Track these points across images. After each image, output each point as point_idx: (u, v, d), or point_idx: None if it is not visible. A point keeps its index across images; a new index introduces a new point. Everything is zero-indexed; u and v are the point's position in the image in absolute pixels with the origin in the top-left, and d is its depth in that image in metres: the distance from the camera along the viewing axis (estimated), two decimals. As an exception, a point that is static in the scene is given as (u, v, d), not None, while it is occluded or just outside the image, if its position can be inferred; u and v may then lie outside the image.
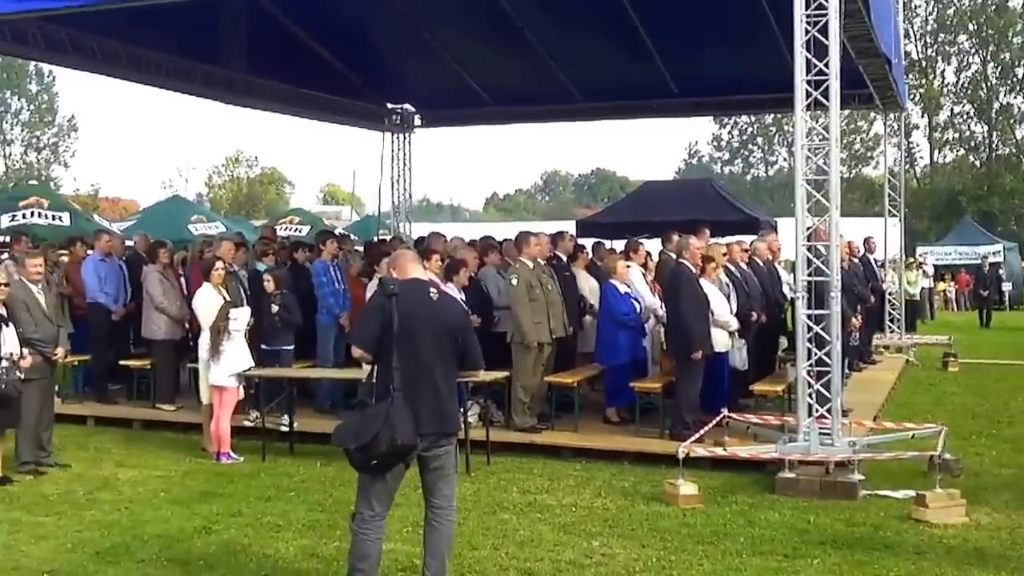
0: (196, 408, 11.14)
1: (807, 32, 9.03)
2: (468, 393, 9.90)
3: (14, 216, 19.94)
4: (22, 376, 9.16)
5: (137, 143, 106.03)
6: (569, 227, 17.35)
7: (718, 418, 9.85)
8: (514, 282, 10.70)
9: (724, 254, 11.59)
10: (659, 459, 9.56)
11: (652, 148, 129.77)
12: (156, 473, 9.67)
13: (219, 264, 10.74)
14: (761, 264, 12.53)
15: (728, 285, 11.24)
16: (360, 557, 5.81)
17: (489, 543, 7.35)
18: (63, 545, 7.37)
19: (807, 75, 9.07)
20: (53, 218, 20.21)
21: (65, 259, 13.73)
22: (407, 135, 21.30)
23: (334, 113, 19.97)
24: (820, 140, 9.25)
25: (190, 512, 8.21)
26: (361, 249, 15.09)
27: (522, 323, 10.57)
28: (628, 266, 11.71)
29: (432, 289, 6.06)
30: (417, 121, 21.36)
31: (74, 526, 7.86)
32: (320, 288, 12.01)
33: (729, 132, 68.34)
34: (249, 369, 10.35)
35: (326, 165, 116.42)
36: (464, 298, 9.83)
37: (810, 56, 9.05)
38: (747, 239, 13.53)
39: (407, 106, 20.98)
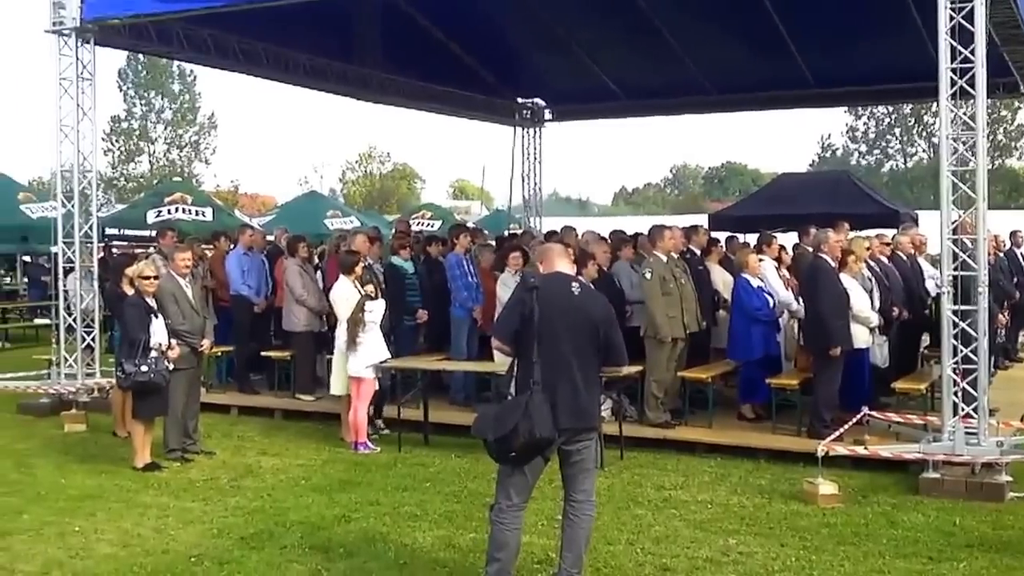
0: (334, 399, 11.38)
1: (951, 19, 8.73)
2: (601, 388, 9.86)
3: (160, 212, 20.76)
4: (170, 366, 9.52)
5: (273, 140, 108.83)
6: (699, 221, 17.14)
7: (858, 416, 9.59)
8: (648, 276, 10.63)
9: (866, 248, 11.27)
10: (796, 457, 9.41)
11: (784, 140, 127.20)
12: (297, 462, 9.92)
13: (360, 259, 10.95)
14: (904, 258, 12.16)
15: (869, 280, 10.93)
16: (498, 547, 5.85)
17: (624, 538, 7.33)
18: (209, 530, 7.62)
19: (952, 63, 8.77)
20: (196, 213, 20.97)
21: (210, 253, 14.17)
22: (537, 129, 21.37)
23: (466, 108, 20.16)
24: (965, 130, 8.94)
25: (330, 500, 8.40)
26: (493, 243, 15.17)
27: (656, 317, 10.49)
28: (761, 260, 11.49)
29: (575, 283, 6.04)
30: (547, 115, 21.42)
31: (219, 512, 8.12)
32: (454, 281, 12.13)
33: (865, 123, 66.46)
34: (385, 361, 10.52)
35: (456, 160, 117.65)
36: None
37: (955, 43, 8.75)
38: (887, 232, 13.14)
39: (538, 100, 21.05)
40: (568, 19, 15.97)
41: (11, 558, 6.97)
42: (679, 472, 9.38)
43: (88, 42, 12.49)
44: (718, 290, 11.92)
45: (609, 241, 12.52)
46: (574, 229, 13.89)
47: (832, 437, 8.99)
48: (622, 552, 7.03)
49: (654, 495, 8.59)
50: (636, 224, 17.85)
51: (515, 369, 5.88)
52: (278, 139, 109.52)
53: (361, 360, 10.34)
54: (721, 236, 14.28)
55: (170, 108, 60.86)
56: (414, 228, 21.30)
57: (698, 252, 12.14)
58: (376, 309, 10.52)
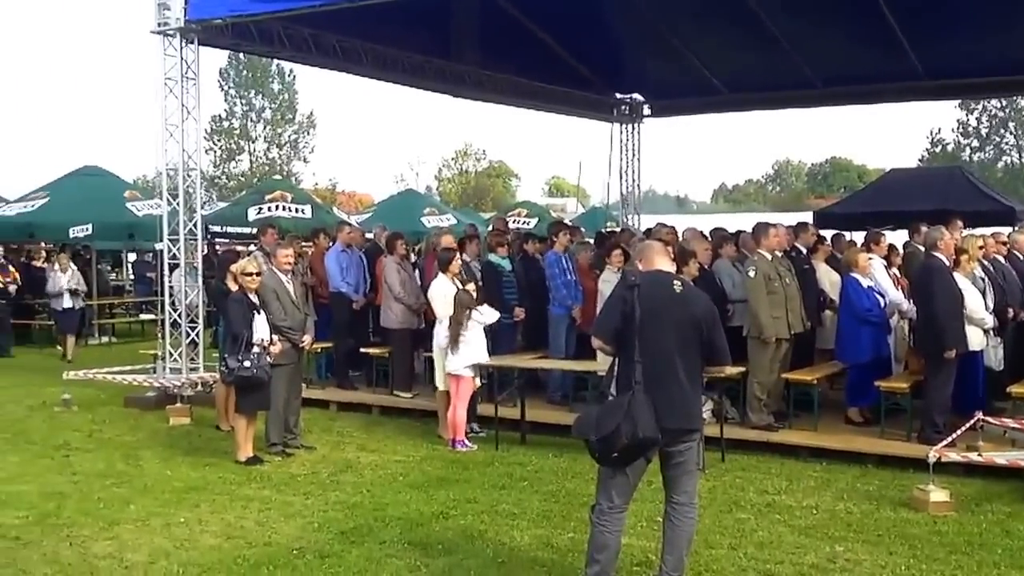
0: (432, 396, 11.50)
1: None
2: (702, 388, 9.78)
3: (260, 209, 21.16)
4: (272, 361, 9.71)
5: (370, 138, 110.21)
6: (803, 218, 16.87)
7: (971, 421, 9.32)
8: (752, 274, 10.49)
9: (980, 247, 10.96)
10: (906, 463, 9.21)
11: (891, 135, 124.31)
12: (395, 458, 10.04)
13: (455, 255, 11.04)
14: (1021, 258, 11.80)
15: (983, 280, 10.63)
16: (598, 548, 5.84)
17: (726, 542, 7.26)
18: (310, 524, 7.76)
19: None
20: (296, 211, 21.32)
21: (309, 250, 14.41)
22: (636, 125, 21.25)
23: (563, 104, 20.13)
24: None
25: (428, 497, 8.49)
26: (591, 241, 15.13)
27: (760, 317, 10.35)
28: (870, 259, 11.25)
29: (676, 281, 5.99)
30: (646, 111, 21.27)
31: (320, 506, 8.27)
32: (552, 279, 12.14)
33: (976, 118, 64.59)
34: (485, 360, 10.58)
35: (551, 157, 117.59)
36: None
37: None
38: (1003, 231, 12.75)
39: (636, 96, 20.92)
40: (668, 11, 15.84)
41: (119, 547, 7.19)
42: (782, 476, 9.25)
43: (192, 42, 12.80)
44: (824, 290, 11.71)
45: (710, 239, 12.39)
46: (671, 226, 13.76)
47: (944, 443, 8.75)
48: (724, 556, 6.96)
49: (757, 499, 8.48)
50: (736, 222, 17.64)
51: (616, 368, 5.85)
52: (374, 137, 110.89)
53: (462, 359, 10.42)
54: (827, 234, 14.01)
55: (270, 107, 62.13)
56: (512, 226, 21.38)
57: (804, 250, 11.94)
58: (487, 315, 10.56)
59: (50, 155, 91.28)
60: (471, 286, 10.75)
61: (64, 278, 18.46)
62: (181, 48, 12.70)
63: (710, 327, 5.91)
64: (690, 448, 5.88)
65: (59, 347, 18.58)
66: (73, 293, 18.52)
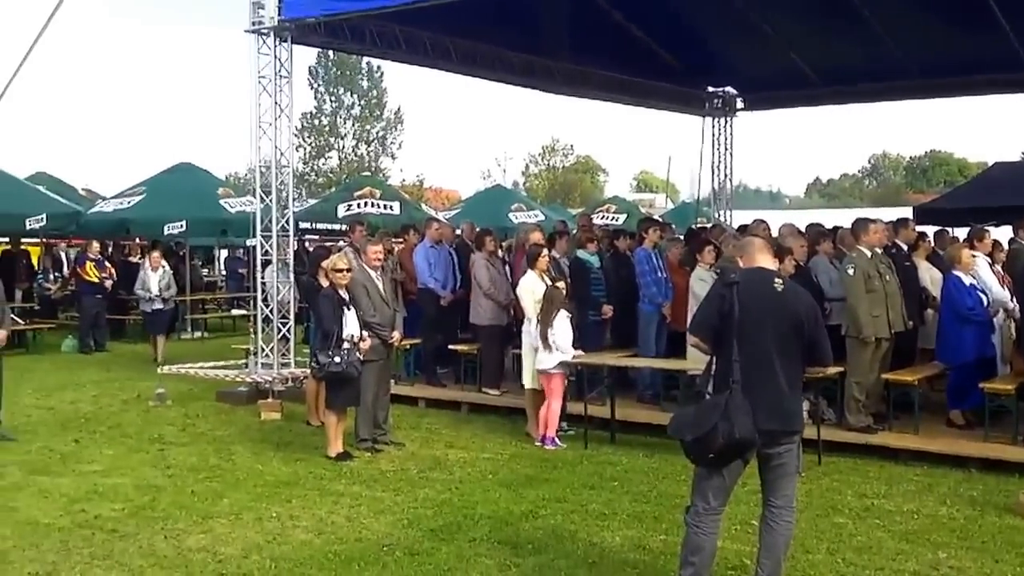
0: (520, 393, 11.49)
1: None
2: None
3: (350, 206, 21.39)
4: (361, 357, 9.79)
5: (456, 134, 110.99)
6: (901, 214, 16.47)
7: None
8: (850, 272, 10.27)
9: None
10: (1011, 468, 8.97)
11: (993, 127, 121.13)
12: (484, 455, 10.05)
13: (543, 251, 11.02)
14: None
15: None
16: (693, 551, 5.77)
17: (824, 547, 7.12)
18: (400, 520, 7.80)
19: None
20: (384, 207, 21.51)
21: (398, 246, 14.51)
22: (728, 119, 20.99)
23: (654, 98, 19.99)
24: None
25: (517, 495, 8.48)
26: (680, 237, 14.99)
27: (859, 316, 10.12)
28: (974, 256, 10.94)
29: (777, 279, 5.87)
30: (739, 104, 21.01)
31: (409, 502, 8.31)
32: (643, 276, 12.05)
33: (1085, 109, 62.55)
34: (574, 357, 10.54)
35: (639, 152, 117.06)
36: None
37: None
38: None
39: (729, 89, 20.67)
40: (762, 2, 15.61)
41: (213, 540, 7.30)
42: (882, 480, 9.04)
43: (285, 41, 12.97)
44: (926, 287, 11.43)
45: (806, 235, 12.17)
46: (766, 222, 13.55)
47: (1053, 447, 8.49)
48: (822, 562, 6.82)
49: (855, 503, 8.31)
50: (832, 217, 17.34)
51: (713, 367, 5.76)
52: (461, 133, 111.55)
53: (551, 356, 10.40)
54: (928, 230, 13.67)
55: (358, 104, 62.82)
56: (599, 222, 21.30)
57: (905, 247, 11.66)
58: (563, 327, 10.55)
59: (146, 152, 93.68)
60: (560, 283, 10.71)
61: (155, 278, 17.89)
62: (275, 47, 12.88)
63: (812, 326, 5.78)
64: (789, 450, 5.76)
65: (151, 348, 18.04)
66: (165, 292, 17.95)
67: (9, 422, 11.09)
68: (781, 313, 5.71)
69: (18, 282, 20.08)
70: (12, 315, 12.26)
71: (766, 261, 5.98)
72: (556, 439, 10.42)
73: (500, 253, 13.68)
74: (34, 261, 23.23)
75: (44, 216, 18.12)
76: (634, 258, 12.42)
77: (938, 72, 17.60)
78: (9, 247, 21.58)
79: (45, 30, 12.53)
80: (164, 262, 19.90)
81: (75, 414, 12.40)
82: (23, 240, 22.31)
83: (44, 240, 23.56)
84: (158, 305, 17.77)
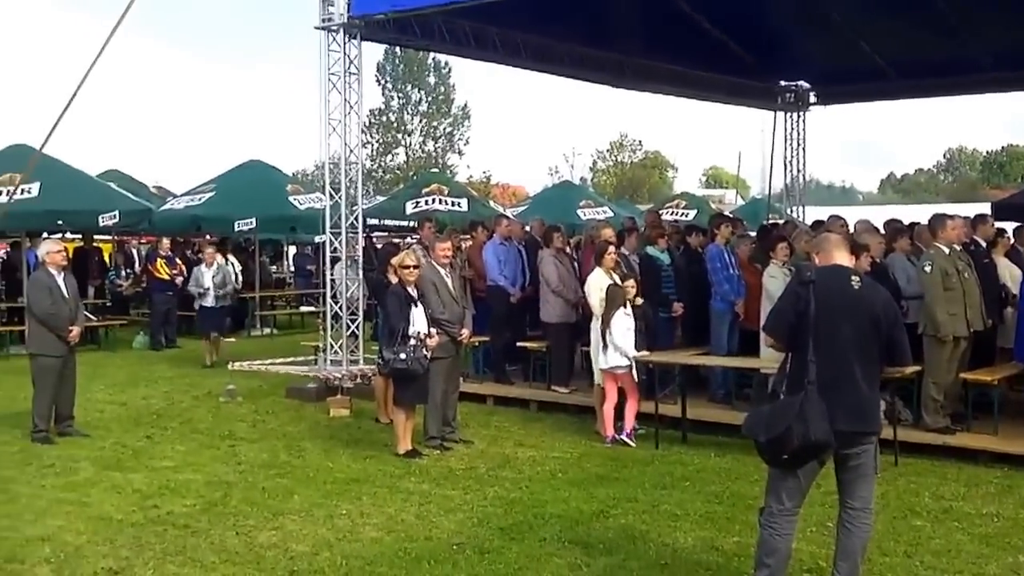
0: (589, 391, 11.47)
1: None
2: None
3: (417, 203, 21.52)
4: (429, 354, 9.83)
5: (523, 130, 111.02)
6: (981, 210, 16.14)
7: None
8: (928, 269, 10.10)
9: None
10: (1097, 470, 8.72)
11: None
12: (553, 454, 10.05)
13: (611, 248, 10.99)
14: None
15: None
16: (767, 552, 5.72)
17: (901, 550, 7.01)
18: (470, 519, 7.82)
19: None
20: (452, 204, 21.60)
21: (467, 243, 14.55)
22: (801, 113, 20.76)
23: (725, 93, 19.88)
24: None
25: (587, 495, 8.45)
26: (752, 234, 14.85)
27: (936, 314, 9.95)
28: (1057, 252, 10.70)
29: (855, 276, 5.78)
30: (812, 98, 20.77)
31: (479, 501, 8.33)
32: (715, 274, 11.95)
33: None
34: (638, 356, 10.49)
35: (708, 147, 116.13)
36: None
37: None
38: None
39: (801, 83, 20.44)
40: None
41: (284, 537, 7.39)
42: (960, 482, 8.88)
43: (355, 37, 13.11)
44: (1005, 285, 11.19)
45: (884, 231, 11.98)
46: (842, 218, 13.35)
47: None
48: (899, 564, 6.72)
49: (933, 505, 8.17)
50: (907, 213, 17.02)
51: (788, 367, 5.70)
52: (528, 128, 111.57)
53: (613, 355, 10.38)
54: (1006, 226, 13.37)
55: (426, 100, 63.15)
56: (668, 218, 21.16)
57: (983, 243, 11.43)
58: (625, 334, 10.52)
59: (216, 149, 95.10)
60: (630, 282, 10.66)
61: (208, 274, 17.23)
62: (344, 43, 13.00)
63: (891, 325, 5.69)
64: (867, 451, 5.68)
65: (203, 349, 17.15)
66: (219, 289, 17.28)
67: (82, 418, 11.31)
68: (858, 311, 5.63)
69: (91, 279, 20.43)
70: (85, 311, 12.47)
71: (842, 258, 5.88)
72: (631, 435, 10.40)
73: (568, 250, 13.65)
74: (106, 258, 23.67)
75: (116, 213, 18.37)
76: (705, 255, 12.33)
77: (1015, 65, 17.22)
78: (82, 244, 21.99)
79: (117, 29, 12.72)
80: (230, 258, 20.19)
81: (147, 410, 12.63)
82: (95, 237, 22.76)
83: (116, 237, 24.02)
84: (210, 302, 17.19)
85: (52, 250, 11.05)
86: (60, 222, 18.18)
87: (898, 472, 9.14)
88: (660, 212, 19.86)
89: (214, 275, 17.15)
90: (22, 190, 16.23)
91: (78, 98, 12.76)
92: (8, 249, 23.51)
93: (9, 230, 19.24)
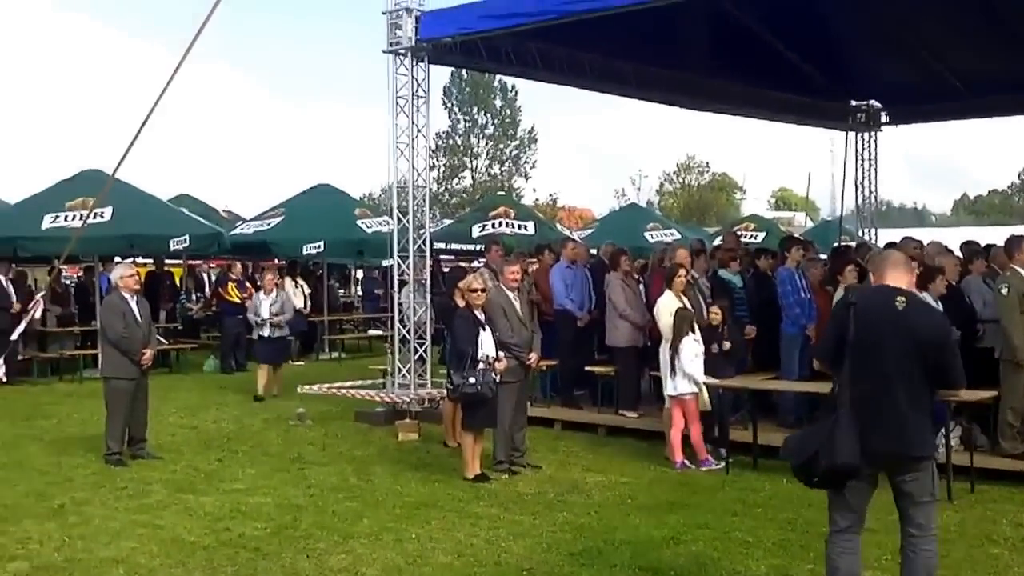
0: (658, 416, 11.42)
1: None
2: (951, 414, 9.35)
3: (484, 226, 21.65)
4: (497, 378, 9.86)
5: (590, 152, 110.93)
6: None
7: None
8: (1004, 292, 9.91)
9: None
10: None
11: None
12: (622, 479, 10.01)
13: (681, 271, 10.96)
14: None
15: None
16: (829, 571, 5.73)
17: (981, 579, 6.88)
18: (539, 544, 7.81)
19: None
20: (519, 227, 21.71)
21: (534, 266, 14.58)
22: (872, 133, 20.52)
23: (794, 113, 19.70)
24: None
25: (657, 521, 8.41)
26: (823, 256, 14.69)
27: (1013, 338, 9.75)
28: None
29: (900, 297, 5.64)
30: (883, 118, 20.52)
31: (548, 526, 8.32)
32: (785, 297, 11.84)
33: None
34: (711, 380, 10.43)
35: (776, 168, 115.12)
36: (942, 309, 9.26)
37: None
38: None
39: (873, 102, 20.21)
40: (908, 12, 15.21)
41: (354, 561, 7.44)
42: (1041, 509, 8.70)
43: (422, 60, 13.22)
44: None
45: (959, 254, 11.79)
46: (915, 240, 13.18)
47: None
48: (979, 595, 6.59)
49: (1011, 533, 8.01)
50: (981, 235, 16.77)
51: (834, 390, 5.67)
52: (594, 151, 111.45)
53: (681, 381, 10.34)
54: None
55: (492, 124, 63.47)
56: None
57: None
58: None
59: (284, 173, 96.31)
60: (716, 308, 10.68)
61: (266, 303, 16.15)
62: (412, 67, 13.13)
63: (937, 348, 5.54)
64: (917, 477, 5.56)
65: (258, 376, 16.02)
66: (276, 317, 16.11)
67: (154, 441, 11.50)
68: (900, 332, 5.54)
69: (162, 302, 20.65)
70: (157, 335, 12.70)
71: (896, 278, 5.75)
72: (710, 459, 10.41)
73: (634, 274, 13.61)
74: (177, 281, 24.05)
75: (187, 237, 18.63)
76: (776, 278, 12.23)
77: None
78: (153, 268, 22.39)
79: (185, 58, 13.01)
80: (299, 281, 20.36)
81: (218, 433, 12.81)
82: (166, 261, 23.15)
83: (186, 261, 24.43)
84: (266, 332, 16.09)
85: (126, 274, 11.29)
86: (132, 246, 18.49)
87: (975, 499, 9.00)
88: (737, 234, 19.66)
89: (271, 303, 16.15)
90: (95, 215, 16.56)
91: (149, 124, 13.09)
92: (81, 273, 23.98)
93: (82, 254, 19.62)
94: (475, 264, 18.46)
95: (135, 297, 11.14)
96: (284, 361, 16.75)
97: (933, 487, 5.65)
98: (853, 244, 17.46)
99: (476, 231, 21.72)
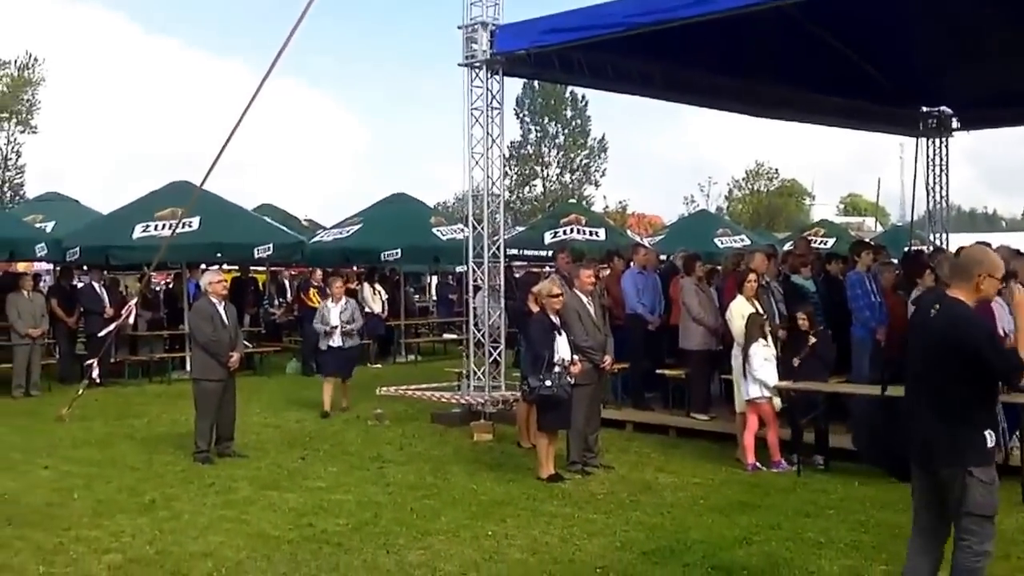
0: (728, 419, 11.32)
1: None
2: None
3: (556, 232, 21.67)
4: (572, 381, 9.85)
5: (657, 160, 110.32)
6: None
7: None
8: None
9: None
10: None
11: None
12: (694, 480, 9.95)
13: (752, 276, 10.87)
14: None
15: None
16: (905, 572, 5.65)
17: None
18: (612, 543, 7.79)
19: None
20: (590, 233, 21.69)
21: (605, 272, 14.54)
22: (944, 139, 20.15)
23: (863, 120, 19.45)
24: None
25: (730, 521, 8.35)
26: (894, 261, 14.45)
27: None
28: None
29: (937, 304, 5.49)
30: (954, 124, 20.14)
31: (621, 525, 8.29)
32: (855, 301, 11.68)
33: None
34: (782, 383, 10.32)
35: (845, 174, 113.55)
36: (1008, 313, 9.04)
37: None
38: None
39: (944, 109, 19.84)
40: (978, 18, 14.91)
41: (432, 556, 7.49)
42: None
43: (497, 73, 13.29)
44: None
45: (1032, 257, 11.51)
46: (987, 244, 12.86)
47: None
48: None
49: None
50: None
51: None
52: (663, 159, 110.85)
53: (753, 385, 10.25)
54: None
55: (562, 133, 63.45)
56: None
57: None
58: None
59: (362, 183, 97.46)
60: (802, 313, 10.58)
61: (335, 311, 14.74)
62: (487, 79, 13.21)
63: (964, 352, 5.25)
64: (947, 485, 5.32)
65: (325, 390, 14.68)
66: (347, 325, 14.72)
67: (240, 440, 11.67)
68: (927, 340, 5.47)
69: (247, 307, 21.04)
70: (242, 339, 12.89)
71: (952, 285, 5.55)
72: (782, 462, 10.31)
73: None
74: (260, 287, 24.44)
75: (271, 246, 18.90)
76: (846, 282, 12.07)
77: None
78: (239, 274, 22.79)
79: (270, 73, 13.25)
80: (377, 287, 20.50)
81: (300, 433, 12.97)
82: (250, 267, 23.55)
83: (269, 268, 24.80)
84: (336, 342, 14.66)
85: (215, 280, 11.50)
86: (219, 254, 18.80)
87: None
88: (809, 240, 19.42)
89: (341, 311, 14.78)
90: (184, 224, 16.89)
91: (235, 138, 13.33)
92: (170, 280, 24.46)
93: (171, 262, 20.00)
94: (546, 269, 18.50)
95: (223, 302, 11.34)
96: (351, 374, 15.15)
97: (967, 500, 5.27)
98: (926, 248, 17.18)
99: (548, 237, 21.75)
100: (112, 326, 15.75)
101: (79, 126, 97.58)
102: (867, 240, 19.03)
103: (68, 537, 8.07)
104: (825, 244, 24.44)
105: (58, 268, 21.17)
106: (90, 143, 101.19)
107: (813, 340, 10.66)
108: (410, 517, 8.63)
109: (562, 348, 9.83)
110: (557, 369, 9.73)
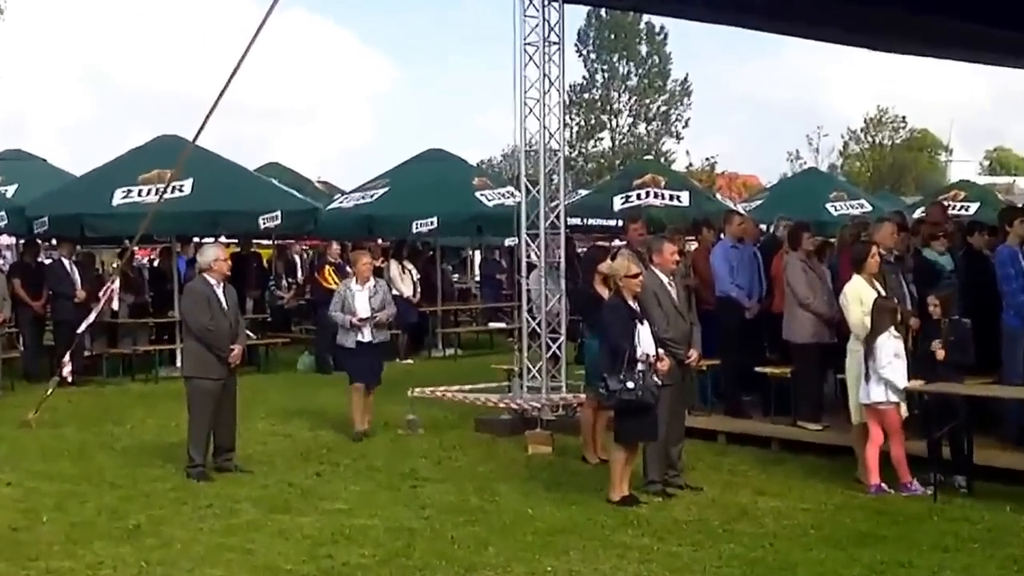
0: (845, 428, 11.24)
1: None
2: None
3: (627, 197, 21.59)
4: (659, 381, 9.78)
5: (754, 107, 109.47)
6: None
7: None
8: None
9: None
10: None
11: None
12: (802, 505, 9.90)
13: (873, 249, 10.76)
14: None
15: None
16: None
17: None
18: (702, 582, 7.80)
19: None
20: (670, 198, 21.58)
21: (692, 246, 14.47)
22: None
23: (1013, 54, 19.08)
24: None
25: (847, 556, 8.30)
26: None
27: None
28: None
29: None
30: None
31: (712, 560, 8.27)
32: (1007, 282, 11.51)
33: None
34: (914, 384, 10.22)
35: (990, 124, 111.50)
36: None
37: None
38: None
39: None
40: None
41: (479, 596, 7.53)
42: None
43: (555, 0, 13.18)
44: None
45: None
46: None
47: None
48: None
49: None
50: None
51: None
52: (761, 106, 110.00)
53: (881, 384, 10.15)
54: None
55: (636, 74, 63.23)
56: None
57: None
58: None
59: (388, 137, 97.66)
60: (935, 299, 10.47)
61: (363, 296, 13.40)
62: (543, 7, 13.13)
63: None
64: None
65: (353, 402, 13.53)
66: (378, 318, 13.44)
67: (243, 451, 11.80)
68: None
69: (249, 289, 20.80)
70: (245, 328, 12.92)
71: None
72: (914, 483, 10.21)
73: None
74: (264, 265, 24.16)
75: (279, 214, 18.85)
76: (995, 258, 11.91)
77: None
78: (239, 249, 22.39)
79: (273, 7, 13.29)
80: (406, 264, 20.46)
81: (315, 443, 13.08)
82: (253, 241, 23.47)
83: (275, 241, 24.84)
84: (366, 336, 13.41)
85: (220, 257, 11.49)
86: (216, 225, 18.83)
87: None
88: (945, 206, 19.24)
89: (371, 296, 13.44)
90: (173, 188, 16.95)
91: (235, 81, 13.39)
92: (157, 256, 24.48)
93: (158, 234, 20.06)
94: (616, 243, 18.45)
95: (221, 283, 11.38)
96: (380, 379, 13.78)
97: None
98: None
99: (618, 203, 21.68)
100: (91, 316, 15.80)
101: (45, 66, 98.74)
102: (1020, 205, 18.78)
103: (36, 569, 8.18)
104: (966, 210, 24.14)
105: (21, 242, 21.43)
106: (59, 87, 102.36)
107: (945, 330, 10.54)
108: (450, 548, 8.64)
109: (645, 340, 9.74)
110: (640, 367, 9.63)
